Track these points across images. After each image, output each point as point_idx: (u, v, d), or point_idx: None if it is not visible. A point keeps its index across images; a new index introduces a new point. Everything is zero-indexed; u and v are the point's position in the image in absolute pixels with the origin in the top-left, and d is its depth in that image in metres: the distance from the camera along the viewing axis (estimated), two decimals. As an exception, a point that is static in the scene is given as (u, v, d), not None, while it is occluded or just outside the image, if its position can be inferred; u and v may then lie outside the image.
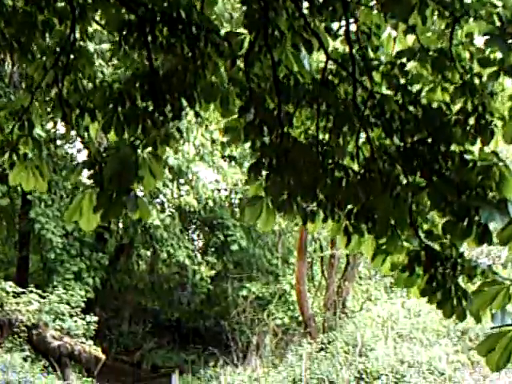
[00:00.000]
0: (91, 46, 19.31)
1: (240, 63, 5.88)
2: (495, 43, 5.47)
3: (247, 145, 5.92)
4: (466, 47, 5.92)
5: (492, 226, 5.52)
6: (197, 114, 6.12)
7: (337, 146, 5.86)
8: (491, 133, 5.86)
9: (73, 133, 23.66)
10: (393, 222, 5.73)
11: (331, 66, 5.90)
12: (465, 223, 5.48)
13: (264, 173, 5.81)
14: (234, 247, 29.16)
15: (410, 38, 6.08)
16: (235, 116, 5.94)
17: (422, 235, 5.82)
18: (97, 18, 6.55)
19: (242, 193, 28.25)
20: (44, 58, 6.59)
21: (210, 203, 27.53)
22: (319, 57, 6.44)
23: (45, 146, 24.13)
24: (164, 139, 6.02)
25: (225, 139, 6.19)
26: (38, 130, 21.56)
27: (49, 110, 6.71)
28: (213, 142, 25.32)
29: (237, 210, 30.01)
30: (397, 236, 5.82)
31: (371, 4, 5.82)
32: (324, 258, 28.01)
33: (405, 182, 5.68)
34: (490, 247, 23.48)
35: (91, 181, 5.90)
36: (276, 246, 30.72)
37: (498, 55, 5.72)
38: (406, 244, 5.91)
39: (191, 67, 5.93)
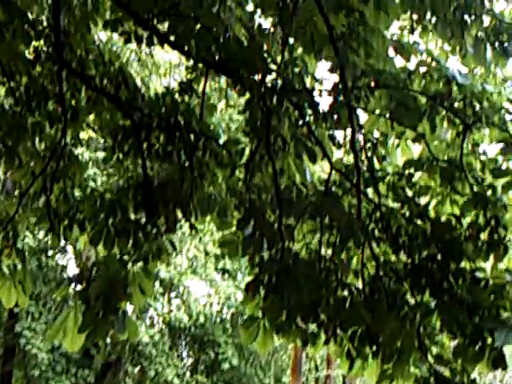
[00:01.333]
0: (86, 154, 19.20)
1: (240, 173, 5.60)
2: (510, 152, 5.22)
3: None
4: (478, 156, 5.66)
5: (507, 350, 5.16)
6: (192, 227, 5.79)
7: (340, 261, 5.51)
8: (505, 248, 5.53)
9: (64, 242, 23.28)
10: (399, 344, 5.33)
11: (335, 176, 5.62)
12: (477, 347, 5.09)
13: (262, 291, 5.43)
14: (225, 365, 28.37)
15: (418, 147, 5.83)
16: (233, 229, 5.62)
17: (431, 359, 5.41)
18: (90, 121, 6.30)
19: (235, 307, 27.70)
20: (32, 164, 6.30)
21: (202, 319, 26.95)
22: (323, 167, 6.17)
23: (34, 257, 23.72)
24: (156, 253, 5.68)
25: (219, 251, 5.86)
26: (27, 240, 21.18)
27: (36, 219, 6.40)
28: (206, 253, 24.96)
29: (229, 326, 29.40)
30: (404, 360, 5.41)
31: (378, 111, 5.58)
32: (319, 379, 27.25)
33: (412, 301, 5.32)
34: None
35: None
36: (269, 364, 29.95)
37: (512, 165, 5.48)
38: (413, 369, 5.49)
39: (188, 177, 5.66)
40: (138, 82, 12.51)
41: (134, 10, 5.36)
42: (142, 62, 13.20)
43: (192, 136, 5.65)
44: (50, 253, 27.24)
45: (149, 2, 5.31)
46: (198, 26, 5.37)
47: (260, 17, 6.56)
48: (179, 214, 5.74)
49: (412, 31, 6.96)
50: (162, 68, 13.86)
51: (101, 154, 19.78)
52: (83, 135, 6.78)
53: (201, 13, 5.41)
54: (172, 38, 5.42)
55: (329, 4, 5.43)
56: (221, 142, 5.82)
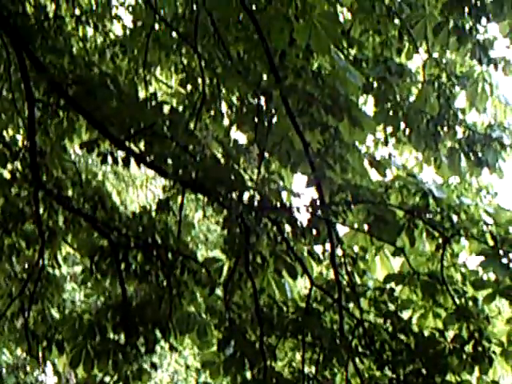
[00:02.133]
0: (64, 269, 19.00)
1: (219, 291, 5.53)
2: (490, 264, 5.21)
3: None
4: (458, 269, 5.64)
5: None
6: (171, 347, 5.69)
7: (324, 379, 5.40)
8: (489, 360, 5.45)
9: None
10: None
11: (316, 292, 5.56)
12: None
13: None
14: None
15: (398, 260, 5.81)
16: (214, 348, 5.52)
17: None
18: (68, 240, 6.26)
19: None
20: (9, 285, 6.22)
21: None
22: (303, 283, 6.13)
23: (12, 374, 23.20)
24: (136, 374, 5.56)
25: (200, 365, 5.76)
26: (4, 357, 20.74)
27: (14, 340, 6.29)
28: (187, 367, 24.54)
29: None
30: None
31: (356, 226, 5.57)
32: None
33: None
34: None
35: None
36: None
37: (493, 276, 5.45)
38: None
39: (166, 296, 5.59)
40: (115, 195, 12.50)
41: (110, 130, 5.37)
42: (118, 174, 13.23)
43: (170, 255, 5.59)
44: (29, 368, 26.64)
45: (124, 123, 5.31)
46: (174, 145, 5.38)
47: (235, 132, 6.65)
48: (158, 334, 5.65)
49: (386, 143, 7.06)
50: (138, 180, 13.89)
51: (78, 269, 19.63)
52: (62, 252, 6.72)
53: (177, 132, 5.43)
54: (148, 158, 5.41)
55: (304, 121, 5.48)
56: (199, 257, 5.78)
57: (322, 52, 5.41)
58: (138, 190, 14.05)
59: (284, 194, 5.49)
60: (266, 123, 6.07)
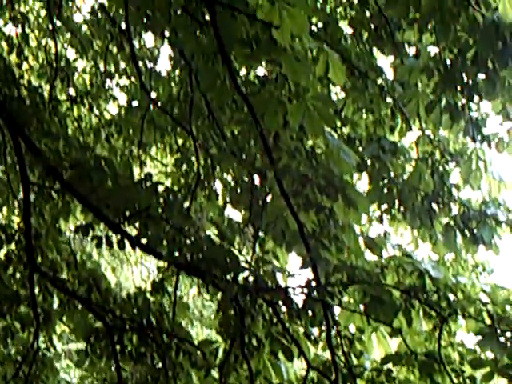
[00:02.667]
0: (58, 346, 18.81)
1: (215, 373, 5.47)
2: (488, 343, 5.17)
3: None
4: (456, 348, 5.60)
5: None
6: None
7: None
8: None
9: None
10: None
11: (312, 374, 5.51)
12: None
13: None
14: None
15: (395, 340, 5.77)
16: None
17: None
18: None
19: None
20: (4, 368, 6.17)
21: None
22: (300, 364, 6.06)
23: None
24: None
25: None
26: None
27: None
28: None
29: None
30: None
31: (352, 307, 5.54)
32: None
33: None
34: None
35: None
36: None
37: (490, 355, 5.41)
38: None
39: (162, 378, 5.53)
40: (109, 272, 12.48)
41: (105, 213, 5.39)
42: (113, 251, 13.22)
43: (165, 337, 5.56)
44: None
45: (119, 205, 5.34)
46: (169, 227, 5.39)
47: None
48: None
49: (381, 221, 7.07)
50: (132, 257, 13.87)
51: (73, 346, 19.45)
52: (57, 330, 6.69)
53: (172, 214, 5.45)
54: (143, 241, 5.42)
55: (298, 202, 5.51)
56: (194, 335, 5.73)
57: (315, 134, 5.46)
58: (133, 266, 14.01)
59: (279, 275, 5.49)
60: (260, 202, 6.11)
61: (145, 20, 6.19)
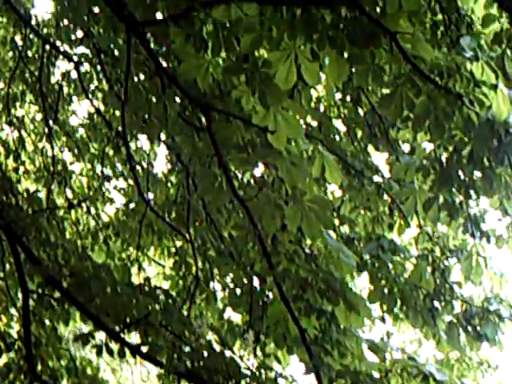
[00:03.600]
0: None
1: None
2: None
3: None
4: None
5: None
6: None
7: None
8: None
9: None
10: None
11: None
12: None
13: None
14: None
15: None
16: None
17: None
18: None
19: None
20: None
21: None
22: None
23: None
24: None
25: None
26: None
27: None
28: None
29: None
30: None
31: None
32: None
33: None
34: None
35: None
36: None
37: None
38: None
39: None
40: (109, 372, 12.27)
41: (105, 321, 5.33)
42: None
43: None
44: None
45: (119, 313, 5.28)
46: (169, 334, 5.32)
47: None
48: None
49: (383, 321, 6.99)
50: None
51: None
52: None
53: (171, 320, 5.39)
54: (143, 349, 5.34)
55: (299, 306, 5.45)
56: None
57: (313, 237, 5.44)
58: (133, 367, 13.80)
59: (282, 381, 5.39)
60: (260, 305, 6.04)
61: (141, 124, 6.26)
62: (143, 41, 5.40)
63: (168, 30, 5.27)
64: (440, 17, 5.62)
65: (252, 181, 5.85)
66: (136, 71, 5.77)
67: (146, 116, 6.12)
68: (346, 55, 5.11)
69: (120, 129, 6.97)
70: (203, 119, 5.61)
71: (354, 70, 5.33)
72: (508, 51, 5.51)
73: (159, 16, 5.51)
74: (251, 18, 5.12)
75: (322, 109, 7.60)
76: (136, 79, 5.97)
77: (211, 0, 5.13)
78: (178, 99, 5.81)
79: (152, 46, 5.76)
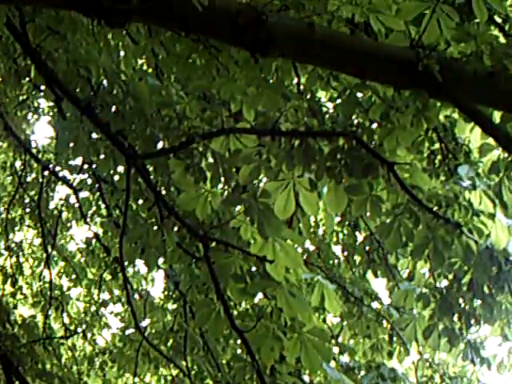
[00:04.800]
0: None
1: None
2: None
3: None
4: None
5: None
6: None
7: None
8: None
9: None
10: None
11: None
12: None
13: None
14: None
15: None
16: None
17: None
18: None
19: None
20: None
21: None
22: None
23: None
24: None
25: None
26: None
27: None
28: None
29: None
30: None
31: None
32: None
33: None
34: None
35: None
36: None
37: None
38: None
39: None
40: None
41: None
42: None
43: None
44: None
45: None
46: None
47: None
48: None
49: None
50: None
51: None
52: None
53: None
54: None
55: None
56: None
57: (313, 369, 5.35)
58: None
59: None
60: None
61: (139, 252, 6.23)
62: (143, 172, 5.44)
63: (167, 161, 5.33)
64: (437, 145, 5.71)
65: (250, 310, 5.79)
66: (135, 203, 5.80)
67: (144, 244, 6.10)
68: (344, 185, 5.15)
69: (117, 255, 6.96)
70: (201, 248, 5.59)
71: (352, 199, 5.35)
72: (506, 180, 5.55)
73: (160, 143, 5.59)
74: (250, 148, 5.18)
75: (320, 232, 7.62)
76: (134, 206, 6.00)
77: (210, 132, 5.20)
78: (176, 227, 5.81)
79: (151, 174, 5.81)
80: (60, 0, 3.76)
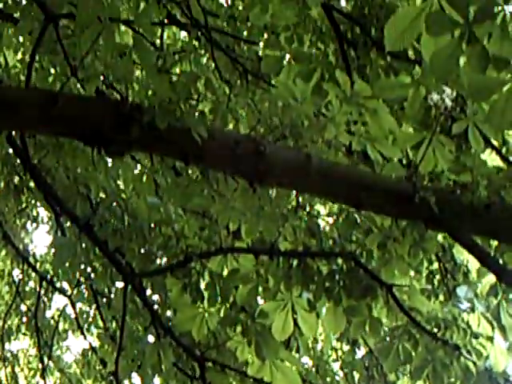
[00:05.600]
0: None
1: None
2: None
3: None
4: None
5: None
6: None
7: None
8: None
9: None
10: None
11: None
12: None
13: None
14: None
15: None
16: None
17: None
18: None
19: None
20: None
21: None
22: None
23: None
24: None
25: None
26: None
27: None
28: None
29: None
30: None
31: None
32: None
33: None
34: None
35: None
36: None
37: None
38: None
39: None
40: None
41: None
42: None
43: None
44: None
45: None
46: None
47: None
48: None
49: None
50: None
51: None
52: None
53: None
54: None
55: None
56: None
57: None
58: None
59: None
60: None
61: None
62: (140, 291, 5.43)
63: (165, 280, 5.32)
64: (436, 265, 5.71)
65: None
66: (132, 322, 5.77)
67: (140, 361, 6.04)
68: (342, 306, 5.13)
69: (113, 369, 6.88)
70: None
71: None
72: (504, 303, 5.53)
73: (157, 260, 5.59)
74: (247, 268, 5.18)
75: (319, 347, 7.55)
76: (131, 325, 5.96)
77: (208, 252, 5.21)
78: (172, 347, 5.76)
79: (148, 292, 5.80)
80: (61, 128, 3.79)
